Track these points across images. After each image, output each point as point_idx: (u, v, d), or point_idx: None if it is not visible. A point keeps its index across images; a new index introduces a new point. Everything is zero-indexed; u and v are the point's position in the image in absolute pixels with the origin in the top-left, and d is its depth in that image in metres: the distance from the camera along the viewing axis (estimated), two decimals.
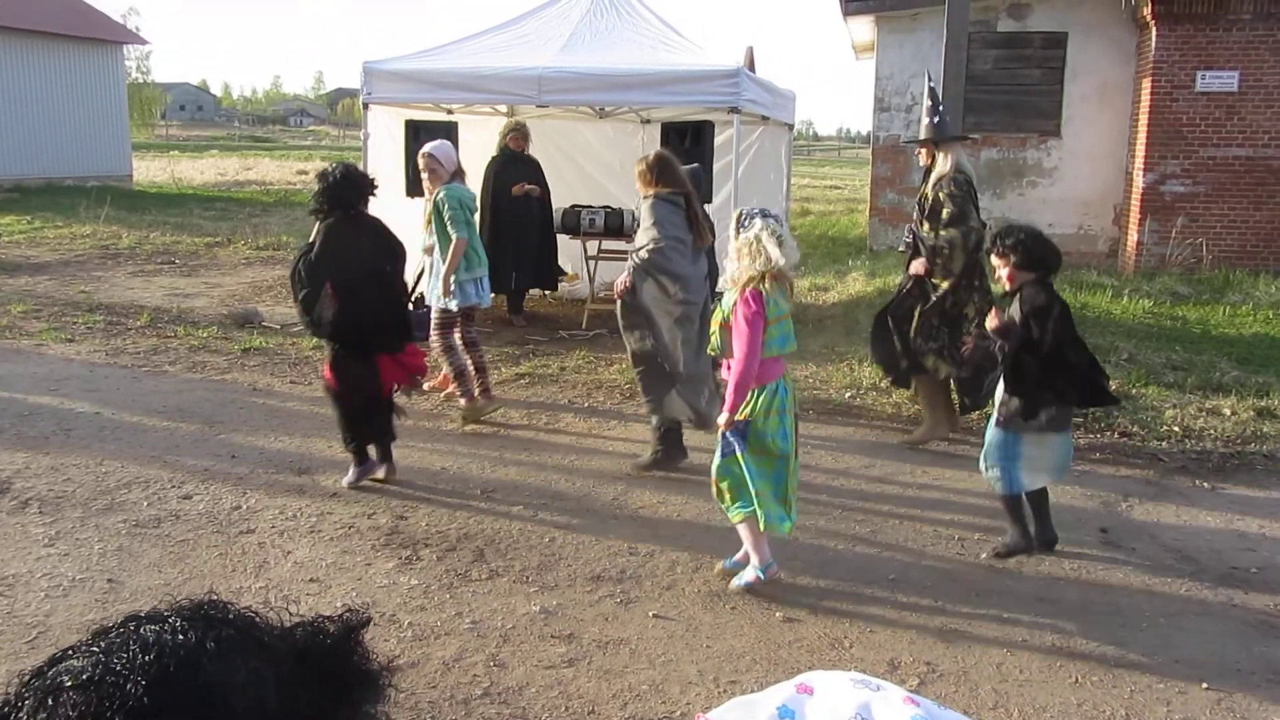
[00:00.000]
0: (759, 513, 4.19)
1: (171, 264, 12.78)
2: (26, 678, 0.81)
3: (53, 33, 21.45)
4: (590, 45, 8.99)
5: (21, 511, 5.01)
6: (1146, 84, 12.62)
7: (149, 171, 27.05)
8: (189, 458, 5.82)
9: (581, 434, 6.54)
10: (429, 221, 7.06)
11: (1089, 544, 4.96)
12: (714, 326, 4.33)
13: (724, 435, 4.24)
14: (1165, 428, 6.66)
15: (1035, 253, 4.47)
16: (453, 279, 6.39)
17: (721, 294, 4.44)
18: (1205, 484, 5.83)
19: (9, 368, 7.64)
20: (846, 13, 14.29)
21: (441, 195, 6.34)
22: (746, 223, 4.17)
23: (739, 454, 4.19)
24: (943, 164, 6.13)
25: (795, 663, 3.81)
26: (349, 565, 4.54)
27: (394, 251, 5.47)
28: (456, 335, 6.57)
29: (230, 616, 0.84)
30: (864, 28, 15.19)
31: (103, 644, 0.80)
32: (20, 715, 0.77)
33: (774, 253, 4.07)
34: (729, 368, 4.23)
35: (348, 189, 5.23)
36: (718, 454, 4.30)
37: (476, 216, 6.86)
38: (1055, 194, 13.90)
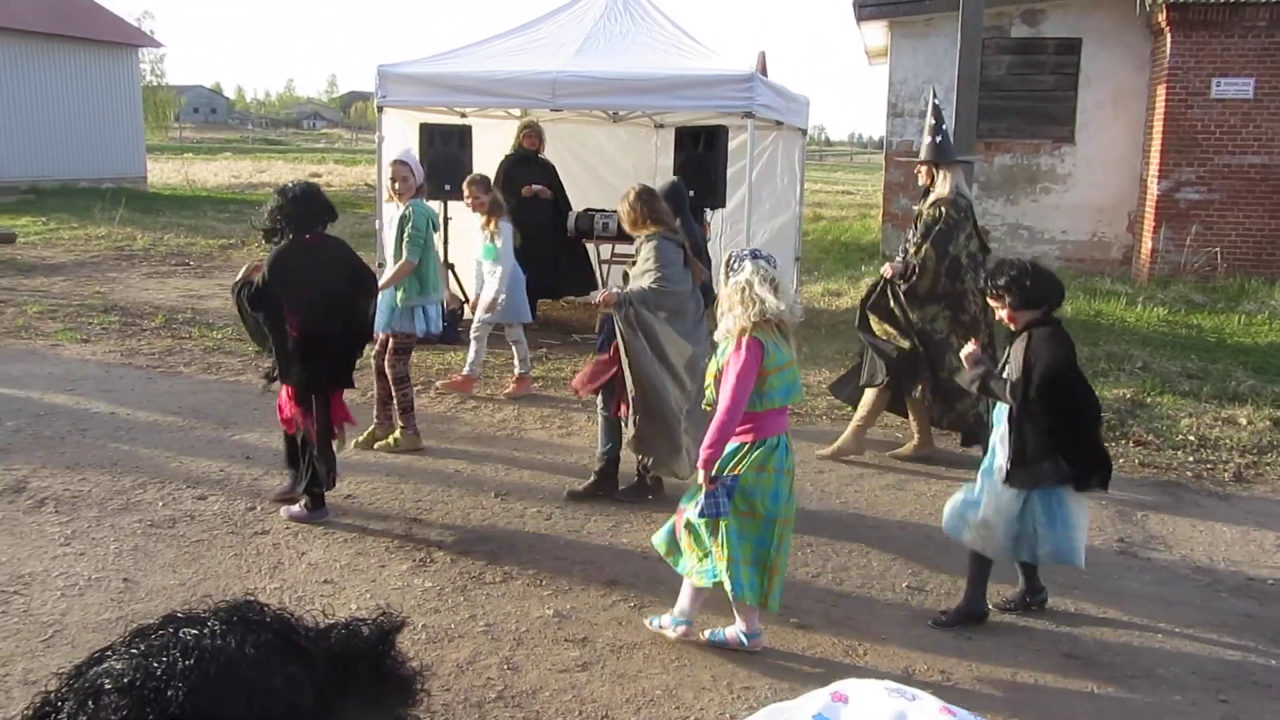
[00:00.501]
0: (726, 580, 3.72)
1: (186, 265, 12.85)
2: (65, 678, 0.81)
3: (68, 36, 21.61)
4: (604, 49, 9.00)
5: (38, 510, 5.04)
6: (1161, 90, 12.58)
7: (163, 174, 27.21)
8: (204, 458, 5.84)
9: (595, 438, 6.53)
10: (485, 226, 7.09)
11: (1104, 554, 4.93)
12: (709, 379, 3.93)
13: (707, 494, 3.72)
14: (1181, 437, 6.62)
15: (1032, 290, 4.00)
16: (385, 299, 6.00)
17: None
18: (1222, 494, 5.80)
19: (25, 367, 7.68)
20: (860, 18, 14.29)
21: (409, 210, 6.09)
22: (736, 266, 3.79)
23: (721, 518, 3.72)
24: (942, 186, 5.98)
25: (809, 670, 3.80)
26: (363, 567, 4.54)
27: (357, 283, 5.03)
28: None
29: (268, 619, 0.85)
30: (877, 33, 15.17)
31: (142, 646, 0.80)
32: (60, 717, 0.78)
33: (769, 300, 3.68)
34: None
35: (307, 207, 4.80)
36: (694, 511, 3.79)
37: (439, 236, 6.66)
38: (1069, 200, 13.85)
